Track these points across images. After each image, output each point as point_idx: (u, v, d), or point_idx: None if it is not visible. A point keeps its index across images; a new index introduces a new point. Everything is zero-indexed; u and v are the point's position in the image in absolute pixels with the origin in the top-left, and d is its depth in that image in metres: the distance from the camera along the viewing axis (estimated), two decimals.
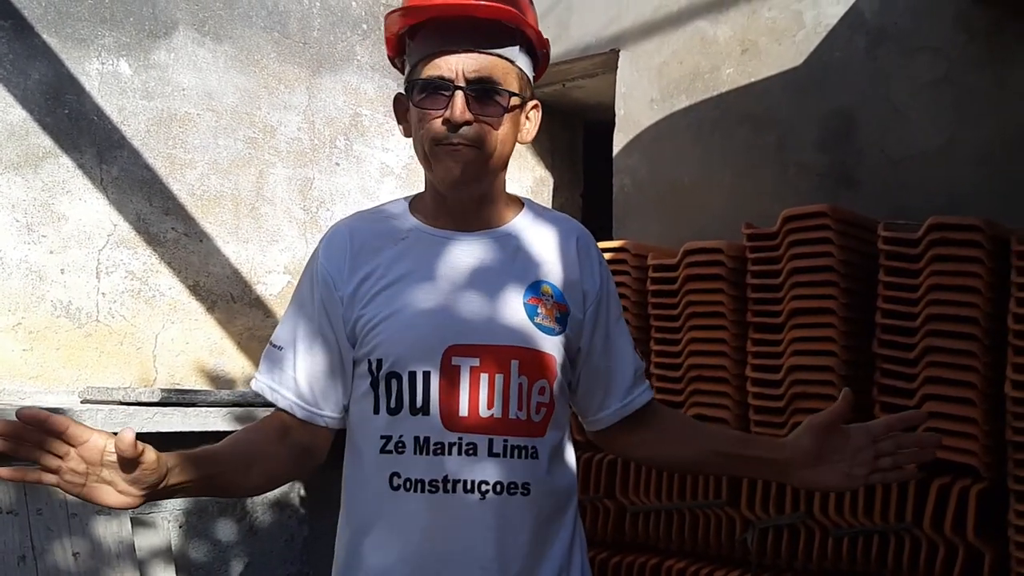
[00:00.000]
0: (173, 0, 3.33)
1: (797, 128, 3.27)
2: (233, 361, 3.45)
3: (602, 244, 3.04)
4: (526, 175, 4.43)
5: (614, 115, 3.77)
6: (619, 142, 3.73)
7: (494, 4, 1.28)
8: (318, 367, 1.35)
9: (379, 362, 1.31)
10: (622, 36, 3.75)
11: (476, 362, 1.30)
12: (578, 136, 4.77)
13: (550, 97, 4.36)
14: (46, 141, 3.02)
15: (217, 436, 3.04)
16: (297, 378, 1.35)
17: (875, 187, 3.09)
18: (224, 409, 3.00)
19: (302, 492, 3.34)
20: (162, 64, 3.30)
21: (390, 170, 3.97)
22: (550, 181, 4.57)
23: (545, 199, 4.52)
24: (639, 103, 3.68)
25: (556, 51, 3.92)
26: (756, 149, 3.35)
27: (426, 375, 1.29)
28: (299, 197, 3.68)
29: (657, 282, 2.85)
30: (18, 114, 2.97)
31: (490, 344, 1.31)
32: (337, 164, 3.81)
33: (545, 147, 4.55)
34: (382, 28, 4.04)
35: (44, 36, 3.03)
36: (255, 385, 1.39)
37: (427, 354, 1.30)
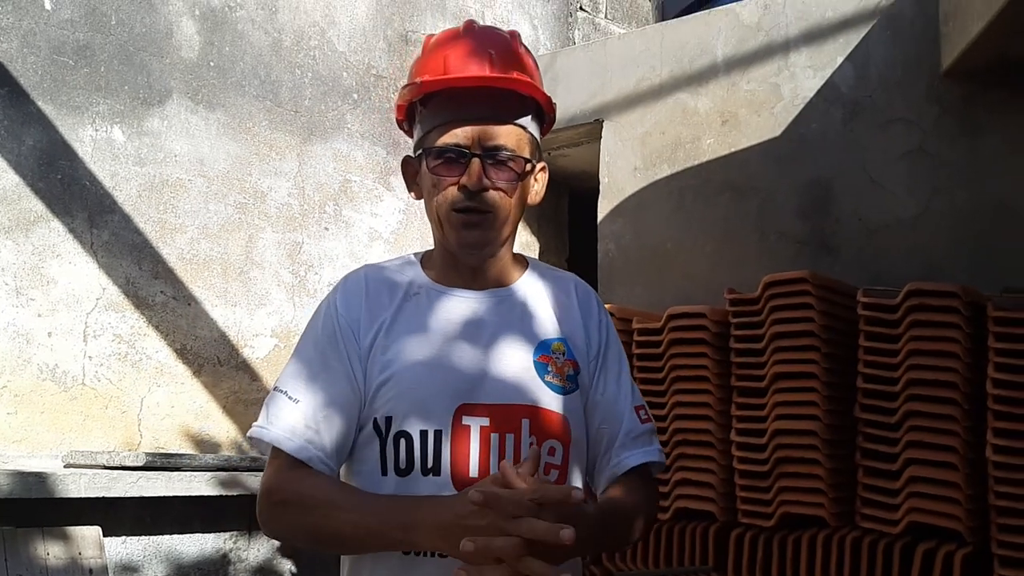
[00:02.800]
0: (167, 70, 3.41)
1: (776, 196, 3.35)
2: (218, 425, 3.44)
3: None
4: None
5: (599, 182, 3.85)
6: (603, 208, 3.80)
7: (510, 76, 1.32)
8: (341, 425, 1.30)
9: (388, 420, 1.29)
10: (606, 107, 3.86)
11: (486, 421, 1.28)
12: (563, 202, 4.85)
13: None
14: (38, 205, 3.05)
15: (202, 501, 3.03)
16: (324, 436, 1.28)
17: (853, 254, 3.16)
18: (209, 473, 2.98)
19: (290, 562, 3.31)
20: (155, 131, 3.36)
21: (378, 235, 4.02)
22: (536, 246, 4.63)
23: None
24: (623, 171, 3.77)
25: None
26: (737, 217, 3.42)
27: (437, 434, 1.27)
28: (288, 261, 3.71)
29: (642, 346, 2.88)
30: (11, 179, 3.00)
31: (500, 403, 1.30)
32: (326, 229, 3.86)
33: (532, 212, 4.62)
34: (372, 98, 4.13)
35: (39, 103, 3.08)
36: (263, 435, 1.29)
37: (438, 413, 1.28)
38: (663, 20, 4.00)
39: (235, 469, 3.05)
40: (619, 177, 3.78)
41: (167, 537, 3.01)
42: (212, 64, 3.54)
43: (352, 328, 1.33)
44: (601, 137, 3.86)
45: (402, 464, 1.29)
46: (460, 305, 1.36)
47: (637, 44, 3.80)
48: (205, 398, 3.42)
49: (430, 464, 1.27)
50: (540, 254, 4.66)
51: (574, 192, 4.80)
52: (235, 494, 3.02)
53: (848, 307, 2.63)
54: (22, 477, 2.60)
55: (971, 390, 2.38)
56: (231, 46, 3.60)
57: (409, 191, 1.43)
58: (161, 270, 3.34)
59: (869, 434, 2.51)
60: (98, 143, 3.21)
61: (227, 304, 3.51)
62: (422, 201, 1.40)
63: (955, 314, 2.40)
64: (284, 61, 3.77)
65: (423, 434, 1.28)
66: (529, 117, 1.36)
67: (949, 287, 2.43)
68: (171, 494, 2.88)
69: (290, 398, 1.30)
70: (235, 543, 3.19)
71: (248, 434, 1.35)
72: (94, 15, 3.22)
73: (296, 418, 1.29)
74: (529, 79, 1.35)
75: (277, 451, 1.30)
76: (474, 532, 1.10)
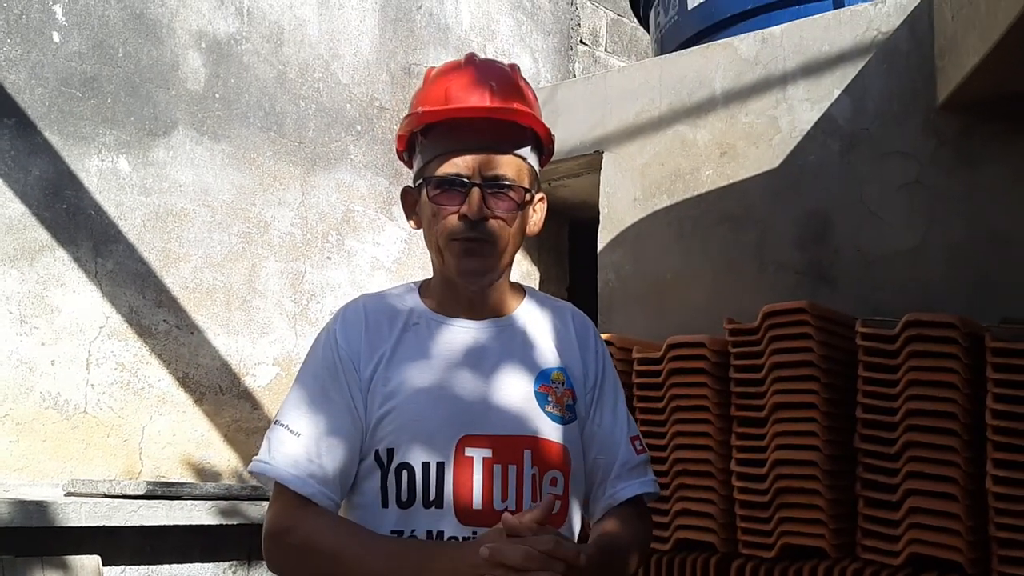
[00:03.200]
0: (173, 101, 3.45)
1: (775, 227, 3.37)
2: (219, 454, 3.44)
3: None
4: (513, 269, 4.51)
5: (599, 213, 3.88)
6: (603, 239, 3.82)
7: (511, 106, 1.34)
8: (344, 457, 1.31)
9: (390, 452, 1.29)
10: (606, 139, 3.89)
11: (489, 452, 1.29)
12: (564, 233, 4.88)
13: None
14: (43, 235, 3.08)
15: (202, 530, 3.03)
16: (328, 469, 1.29)
17: (851, 285, 3.18)
18: (210, 502, 2.98)
19: None
20: (160, 161, 3.40)
21: (380, 264, 4.04)
22: (536, 275, 4.65)
23: None
24: (623, 202, 3.79)
25: None
26: (736, 247, 3.44)
27: (439, 466, 1.27)
28: (290, 290, 3.73)
29: (642, 375, 2.89)
30: (17, 208, 3.03)
31: (503, 434, 1.30)
32: (328, 258, 3.88)
33: (532, 243, 4.65)
34: (375, 129, 4.17)
35: (46, 134, 3.12)
36: (266, 470, 1.30)
37: (440, 445, 1.28)
38: (662, 54, 4.05)
39: (236, 498, 3.04)
40: (619, 208, 3.81)
41: (167, 566, 3.00)
42: (217, 96, 3.58)
43: (352, 360, 1.33)
44: (601, 168, 3.89)
45: (404, 496, 1.28)
46: (460, 335, 1.37)
47: (637, 77, 3.85)
48: (206, 427, 3.42)
49: (432, 496, 1.27)
50: (540, 283, 4.68)
51: (574, 222, 4.83)
52: (236, 523, 3.02)
53: (847, 337, 2.64)
54: (23, 506, 2.60)
55: (971, 421, 2.38)
56: (236, 78, 3.64)
57: (408, 220, 1.44)
58: (164, 299, 3.36)
59: (869, 464, 2.51)
60: (104, 173, 3.25)
61: (229, 333, 3.53)
62: (421, 231, 1.42)
63: (954, 345, 2.41)
64: (288, 93, 3.82)
65: (425, 466, 1.28)
66: (528, 148, 1.38)
67: (947, 318, 2.44)
68: (171, 523, 2.87)
69: (291, 432, 1.30)
70: (235, 573, 3.18)
71: (249, 468, 1.34)
72: (101, 47, 3.27)
73: (298, 452, 1.29)
74: (529, 110, 1.36)
75: (281, 487, 1.30)
76: None
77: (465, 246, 1.33)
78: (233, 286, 3.56)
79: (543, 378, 1.37)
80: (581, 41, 5.28)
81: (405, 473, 1.28)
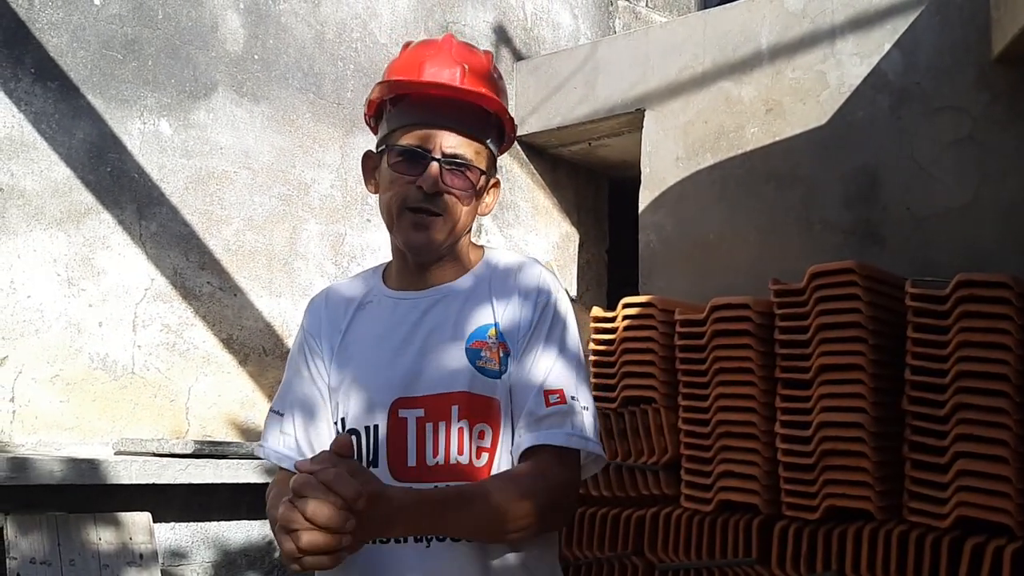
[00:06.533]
0: (213, 63, 3.45)
1: (822, 186, 3.31)
2: (264, 414, 3.48)
3: (629, 299, 3.07)
4: (552, 231, 4.49)
5: (639, 173, 3.83)
6: (645, 199, 3.78)
7: (480, 91, 1.40)
8: (319, 425, 1.43)
9: (343, 420, 1.41)
10: (648, 96, 3.83)
11: (421, 412, 1.36)
12: (603, 193, 4.83)
13: (576, 155, 4.44)
14: (88, 198, 3.12)
15: (249, 488, 3.07)
16: (299, 439, 1.42)
17: (900, 244, 3.11)
18: (255, 461, 3.03)
19: None
20: (201, 124, 3.41)
21: None
22: (576, 237, 4.62)
23: (571, 254, 4.57)
24: (664, 161, 3.74)
25: (583, 111, 4.00)
26: (781, 206, 3.39)
27: (375, 429, 1.37)
28: (331, 252, 3.75)
29: (685, 337, 2.87)
30: (62, 172, 3.06)
31: (433, 394, 1.37)
32: (368, 220, 3.88)
33: (571, 203, 4.61)
34: None
35: (89, 97, 3.14)
36: (260, 453, 1.47)
37: (377, 409, 1.37)
38: (705, 8, 3.96)
39: None
40: (661, 167, 3.76)
41: (215, 523, 3.07)
42: (256, 57, 3.58)
43: (315, 338, 1.47)
44: (642, 126, 3.84)
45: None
46: (405, 307, 1.44)
47: (679, 32, 3.78)
48: (251, 387, 3.47)
49: (370, 457, 1.37)
50: (580, 245, 4.65)
51: (614, 182, 4.78)
52: None
53: (896, 298, 2.59)
54: (75, 464, 2.66)
55: (1022, 382, 2.34)
56: (275, 39, 3.63)
57: (367, 185, 1.51)
58: (207, 261, 3.39)
59: (917, 427, 2.47)
60: (146, 136, 3.27)
61: (272, 295, 3.56)
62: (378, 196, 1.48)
63: (1006, 305, 2.36)
64: (327, 53, 3.80)
65: (367, 429, 1.38)
66: (492, 133, 1.44)
67: (999, 277, 2.39)
68: (219, 481, 2.93)
69: (277, 413, 1.46)
70: None
71: (253, 451, 1.49)
72: (141, 9, 3.27)
73: (281, 430, 1.44)
74: (496, 97, 1.42)
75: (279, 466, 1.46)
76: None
77: (415, 219, 1.39)
78: (275, 248, 3.58)
79: (477, 335, 1.41)
80: None
81: (353, 438, 1.38)
